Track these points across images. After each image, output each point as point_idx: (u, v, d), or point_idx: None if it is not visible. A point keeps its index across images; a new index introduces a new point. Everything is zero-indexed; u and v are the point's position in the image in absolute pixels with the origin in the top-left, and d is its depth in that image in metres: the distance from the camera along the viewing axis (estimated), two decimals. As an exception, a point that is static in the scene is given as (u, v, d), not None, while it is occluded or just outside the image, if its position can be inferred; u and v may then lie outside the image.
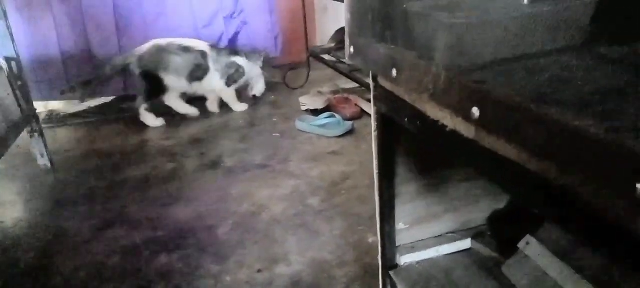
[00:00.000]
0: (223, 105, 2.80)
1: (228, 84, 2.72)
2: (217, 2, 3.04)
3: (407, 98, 0.68)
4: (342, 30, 3.13)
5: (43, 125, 2.26)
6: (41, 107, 2.87)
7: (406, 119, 0.69)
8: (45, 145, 2.19)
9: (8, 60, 2.02)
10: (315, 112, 2.57)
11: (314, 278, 1.33)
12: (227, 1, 3.07)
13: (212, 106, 2.80)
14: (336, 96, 2.69)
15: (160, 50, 2.56)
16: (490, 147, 0.50)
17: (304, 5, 3.23)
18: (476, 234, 1.03)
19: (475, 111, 0.49)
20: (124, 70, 2.66)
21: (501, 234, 1.01)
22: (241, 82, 2.78)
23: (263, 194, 1.81)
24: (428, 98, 0.58)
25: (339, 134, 2.29)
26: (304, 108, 2.69)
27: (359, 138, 2.29)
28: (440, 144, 0.61)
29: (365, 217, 1.58)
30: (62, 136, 2.65)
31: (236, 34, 3.19)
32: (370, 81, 0.81)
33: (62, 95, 2.67)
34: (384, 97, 0.77)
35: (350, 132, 2.33)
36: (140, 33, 2.85)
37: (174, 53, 2.57)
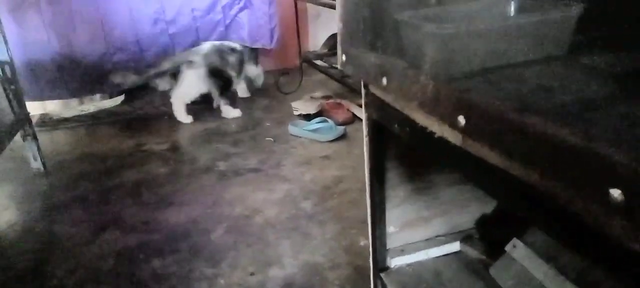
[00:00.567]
0: (215, 111, 2.81)
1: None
2: None
3: (397, 105, 0.70)
4: (334, 36, 3.17)
5: (36, 129, 2.25)
6: (36, 109, 2.86)
7: (396, 126, 0.71)
8: (39, 149, 2.19)
9: (1, 64, 2.00)
10: (308, 117, 2.60)
11: (307, 280, 1.34)
12: None
13: (244, 92, 3.16)
14: (328, 101, 2.71)
15: (220, 50, 2.85)
16: (475, 154, 0.51)
17: (296, 11, 3.25)
18: (465, 237, 1.06)
19: (461, 119, 0.51)
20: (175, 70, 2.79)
21: (489, 237, 1.04)
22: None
23: (256, 198, 1.82)
24: (417, 106, 0.60)
25: (331, 139, 2.31)
26: (296, 113, 2.70)
27: (351, 142, 2.31)
28: (429, 150, 0.63)
29: (357, 221, 1.60)
30: (55, 139, 2.65)
31: (232, 22, 3.25)
32: (361, 88, 0.83)
33: (111, 75, 2.80)
34: (375, 104, 0.79)
35: (342, 137, 2.35)
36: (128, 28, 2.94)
37: (228, 53, 2.88)
